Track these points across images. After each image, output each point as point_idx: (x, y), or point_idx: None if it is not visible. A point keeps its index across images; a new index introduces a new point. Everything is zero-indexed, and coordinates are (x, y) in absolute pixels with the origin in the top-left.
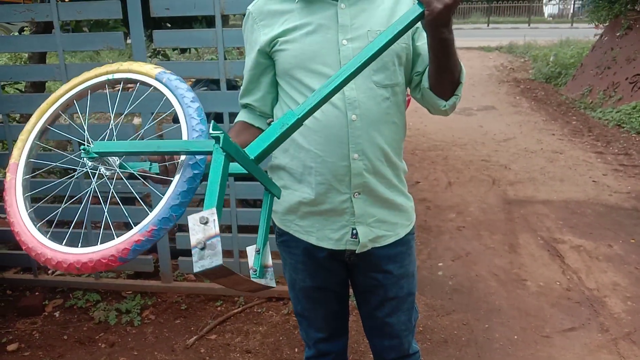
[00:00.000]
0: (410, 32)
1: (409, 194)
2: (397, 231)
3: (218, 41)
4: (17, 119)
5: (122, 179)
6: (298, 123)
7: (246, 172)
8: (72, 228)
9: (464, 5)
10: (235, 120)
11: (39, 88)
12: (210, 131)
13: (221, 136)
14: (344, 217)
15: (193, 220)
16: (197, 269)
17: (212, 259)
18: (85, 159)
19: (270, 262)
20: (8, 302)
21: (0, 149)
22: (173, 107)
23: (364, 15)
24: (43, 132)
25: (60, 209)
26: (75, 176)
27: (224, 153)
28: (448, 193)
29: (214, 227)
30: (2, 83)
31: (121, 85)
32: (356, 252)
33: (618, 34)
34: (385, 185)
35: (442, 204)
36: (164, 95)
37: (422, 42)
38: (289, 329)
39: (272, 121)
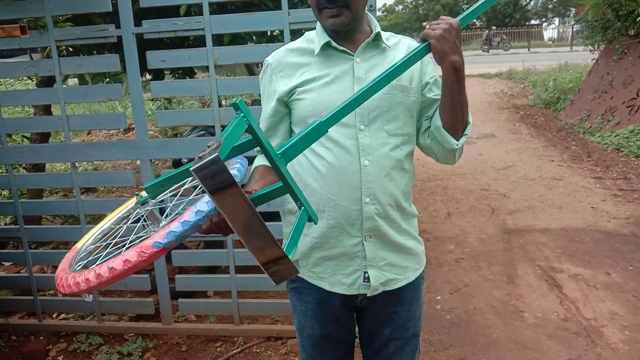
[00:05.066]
0: (420, 87)
1: (420, 238)
2: (407, 275)
3: (212, 90)
4: (24, 165)
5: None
6: (320, 126)
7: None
8: None
9: (465, 33)
10: (255, 165)
11: (44, 137)
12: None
13: (239, 100)
14: (355, 261)
15: (201, 149)
16: (194, 166)
17: (211, 154)
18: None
19: (297, 258)
20: (13, 347)
21: (7, 197)
22: None
23: (377, 69)
24: (108, 231)
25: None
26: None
27: (242, 114)
28: (447, 224)
29: (217, 143)
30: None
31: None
32: (367, 295)
33: (613, 59)
34: (395, 230)
35: (442, 235)
36: None
37: (432, 94)
38: None
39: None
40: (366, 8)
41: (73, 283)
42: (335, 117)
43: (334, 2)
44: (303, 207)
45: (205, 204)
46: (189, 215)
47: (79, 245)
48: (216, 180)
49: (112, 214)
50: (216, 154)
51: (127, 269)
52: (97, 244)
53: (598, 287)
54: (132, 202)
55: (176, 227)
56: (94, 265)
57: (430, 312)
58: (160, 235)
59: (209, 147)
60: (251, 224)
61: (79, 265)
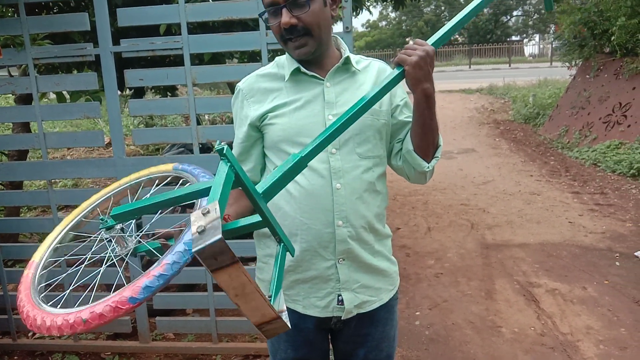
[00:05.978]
0: (390, 110)
1: (394, 258)
2: (380, 296)
3: (190, 109)
4: (1, 182)
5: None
6: (301, 162)
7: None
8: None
9: (447, 49)
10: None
11: (22, 154)
12: (216, 147)
13: (225, 147)
14: (329, 284)
15: (195, 215)
16: (196, 248)
17: (213, 234)
18: (103, 231)
19: (284, 307)
20: None
21: None
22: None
23: (347, 93)
24: (65, 236)
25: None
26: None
27: (229, 163)
28: (427, 239)
29: (215, 213)
30: None
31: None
32: (342, 318)
33: (589, 76)
34: (369, 252)
35: (421, 250)
36: (181, 177)
37: (403, 116)
38: None
39: None
40: (333, 31)
41: (44, 327)
42: (315, 151)
43: (295, 32)
44: (282, 244)
45: (181, 254)
46: (165, 268)
47: (36, 258)
48: (219, 260)
49: (65, 221)
50: (219, 236)
51: (102, 323)
52: (55, 259)
53: (574, 302)
54: (85, 206)
55: (152, 281)
56: (63, 311)
57: (409, 327)
58: (135, 291)
59: (204, 215)
60: (248, 292)
61: (41, 294)
